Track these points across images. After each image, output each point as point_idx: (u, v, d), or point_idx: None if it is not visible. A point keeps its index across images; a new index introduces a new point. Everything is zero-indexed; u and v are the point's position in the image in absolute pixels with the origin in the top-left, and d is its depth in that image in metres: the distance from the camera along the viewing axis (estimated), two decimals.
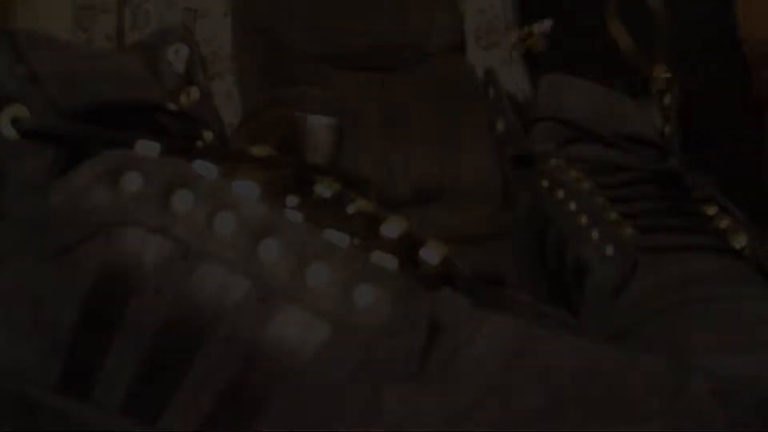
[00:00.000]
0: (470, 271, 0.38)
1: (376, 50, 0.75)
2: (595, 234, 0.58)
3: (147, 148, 0.35)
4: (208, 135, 0.40)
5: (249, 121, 0.70)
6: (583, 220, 0.59)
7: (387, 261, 0.34)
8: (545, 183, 0.61)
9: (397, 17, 0.77)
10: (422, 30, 0.78)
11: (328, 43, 0.74)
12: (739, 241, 0.58)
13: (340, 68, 0.74)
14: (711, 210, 0.60)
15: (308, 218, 0.35)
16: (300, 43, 0.74)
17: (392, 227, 0.37)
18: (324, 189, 0.38)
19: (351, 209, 0.38)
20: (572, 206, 0.59)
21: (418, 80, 0.78)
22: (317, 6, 0.75)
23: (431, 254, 0.37)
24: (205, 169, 0.35)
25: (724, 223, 0.59)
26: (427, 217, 0.73)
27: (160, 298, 0.33)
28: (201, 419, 0.33)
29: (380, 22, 0.76)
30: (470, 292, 0.36)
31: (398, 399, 0.32)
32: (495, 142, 0.66)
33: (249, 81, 0.75)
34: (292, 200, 0.37)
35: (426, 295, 0.34)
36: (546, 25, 0.74)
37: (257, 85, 0.74)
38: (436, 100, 0.79)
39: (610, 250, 0.57)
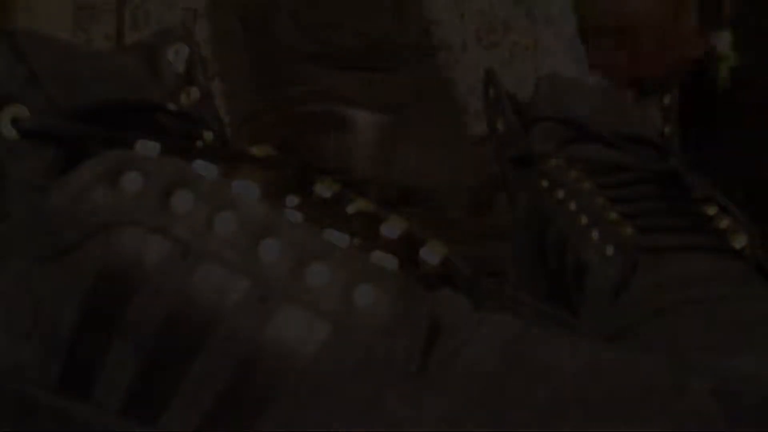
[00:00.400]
0: (470, 270, 0.38)
1: (374, 50, 0.75)
2: (595, 234, 0.58)
3: (147, 148, 0.35)
4: (208, 135, 0.40)
5: (250, 122, 0.70)
6: (583, 220, 0.59)
7: (387, 261, 0.34)
8: (545, 183, 0.61)
9: (396, 17, 0.77)
10: (420, 30, 0.78)
11: (327, 43, 0.74)
12: (739, 241, 0.58)
13: (338, 68, 0.73)
14: (711, 210, 0.60)
15: (308, 218, 0.35)
16: (298, 43, 0.74)
17: (392, 227, 0.37)
18: (324, 189, 0.38)
19: (351, 209, 0.38)
20: (572, 206, 0.59)
21: (417, 80, 0.78)
22: (315, 5, 0.75)
23: (431, 254, 0.37)
24: (205, 169, 0.35)
25: (724, 223, 0.59)
26: (423, 216, 0.73)
27: (160, 298, 0.33)
28: (201, 419, 0.33)
29: (379, 22, 0.76)
30: (470, 292, 0.36)
31: (398, 399, 0.32)
32: (495, 142, 0.66)
33: (243, 82, 0.74)
34: (292, 200, 0.37)
35: (426, 295, 0.34)
36: None
37: (257, 86, 0.74)
38: (435, 99, 0.79)
39: (610, 250, 0.57)
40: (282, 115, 0.69)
